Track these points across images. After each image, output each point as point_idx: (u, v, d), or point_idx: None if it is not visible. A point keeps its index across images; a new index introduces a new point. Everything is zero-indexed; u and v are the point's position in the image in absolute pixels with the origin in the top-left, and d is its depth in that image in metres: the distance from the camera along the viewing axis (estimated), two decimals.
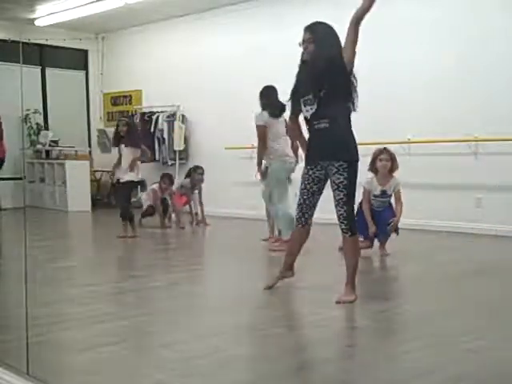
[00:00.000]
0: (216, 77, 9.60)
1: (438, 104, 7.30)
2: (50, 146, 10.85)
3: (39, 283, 4.38)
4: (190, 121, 10.30)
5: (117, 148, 7.16)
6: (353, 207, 3.97)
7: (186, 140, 10.22)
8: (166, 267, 5.53)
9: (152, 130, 10.26)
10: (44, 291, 4.22)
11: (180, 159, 10.21)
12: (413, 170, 7.29)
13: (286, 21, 8.77)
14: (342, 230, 3.97)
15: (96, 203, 10.79)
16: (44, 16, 10.01)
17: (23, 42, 9.69)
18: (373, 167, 5.67)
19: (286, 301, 4.12)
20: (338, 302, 3.86)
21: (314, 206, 4.10)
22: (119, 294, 4.32)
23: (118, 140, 7.07)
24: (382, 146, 5.79)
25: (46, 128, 11.21)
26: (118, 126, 7.13)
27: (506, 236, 6.75)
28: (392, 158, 5.63)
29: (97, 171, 11.43)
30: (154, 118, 10.31)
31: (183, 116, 10.24)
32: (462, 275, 4.89)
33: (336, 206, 3.93)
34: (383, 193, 5.70)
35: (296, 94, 4.07)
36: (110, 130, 11.73)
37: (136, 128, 7.47)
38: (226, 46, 9.59)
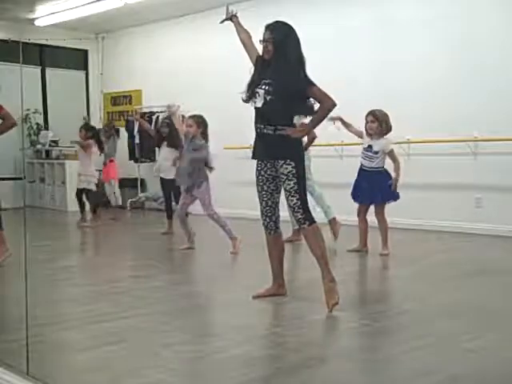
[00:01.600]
0: (216, 77, 9.60)
1: (438, 104, 7.29)
2: (50, 145, 10.85)
3: (39, 283, 4.38)
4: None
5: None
6: (305, 196, 3.87)
7: None
8: (166, 267, 5.53)
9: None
10: (44, 291, 4.22)
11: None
12: (413, 170, 7.29)
13: (286, 21, 8.76)
14: (298, 220, 3.86)
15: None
16: (44, 16, 10.01)
17: (23, 42, 9.69)
18: (365, 129, 5.82)
19: (286, 301, 4.12)
20: (336, 304, 3.75)
21: (277, 207, 4.03)
22: (119, 293, 4.32)
23: (161, 140, 7.59)
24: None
25: (46, 128, 11.21)
26: (161, 126, 7.76)
27: (506, 236, 6.75)
28: (378, 120, 5.70)
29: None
30: (154, 118, 10.30)
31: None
32: (462, 275, 4.88)
33: (288, 196, 3.85)
34: (369, 147, 5.75)
35: (251, 86, 4.01)
36: None
37: (176, 129, 7.71)
38: (225, 46, 9.57)
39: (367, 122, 5.77)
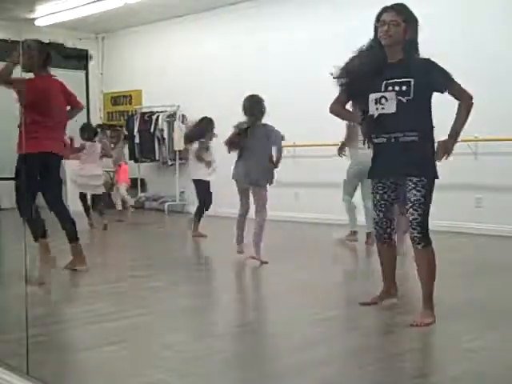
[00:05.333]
0: (216, 77, 9.60)
1: (438, 104, 7.28)
2: None
3: (39, 283, 4.38)
4: (190, 121, 10.30)
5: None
6: (428, 212, 3.50)
7: None
8: (166, 267, 5.53)
9: (152, 130, 10.26)
10: (44, 291, 4.22)
11: (180, 159, 10.21)
12: None
13: (286, 21, 8.76)
14: (412, 238, 3.43)
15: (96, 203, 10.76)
16: (44, 16, 10.00)
17: (23, 42, 9.68)
18: None
19: (286, 301, 4.12)
20: (412, 325, 3.35)
21: (394, 217, 3.65)
22: (119, 293, 4.32)
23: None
24: None
25: None
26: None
27: (506, 236, 6.75)
28: None
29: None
30: (154, 117, 10.31)
31: (183, 116, 10.24)
32: (462, 275, 4.88)
33: (410, 207, 3.43)
34: None
35: (358, 85, 3.48)
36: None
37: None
38: (226, 45, 9.58)
39: None
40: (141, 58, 10.95)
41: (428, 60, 3.47)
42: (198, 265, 5.94)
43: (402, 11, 3.40)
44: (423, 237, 3.42)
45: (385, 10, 3.43)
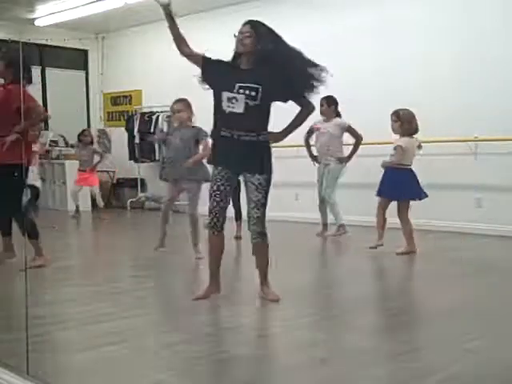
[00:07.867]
0: None
1: (438, 104, 7.29)
2: (49, 145, 10.85)
3: (39, 283, 4.38)
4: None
5: None
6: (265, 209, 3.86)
7: None
8: (166, 267, 5.53)
9: (152, 130, 10.26)
10: (44, 291, 4.22)
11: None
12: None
13: (286, 21, 8.74)
14: (257, 233, 3.86)
15: (96, 203, 10.77)
16: (44, 16, 10.01)
17: (23, 42, 9.69)
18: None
19: (285, 301, 4.12)
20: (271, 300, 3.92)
21: (227, 208, 3.93)
22: (119, 293, 4.32)
23: None
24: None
25: (46, 128, 11.20)
26: None
27: (506, 236, 6.75)
28: (400, 119, 5.71)
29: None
30: (154, 117, 10.31)
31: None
32: (462, 275, 4.89)
33: (254, 207, 3.81)
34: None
35: (217, 83, 4.02)
36: (110, 130, 11.78)
37: None
38: (226, 46, 9.57)
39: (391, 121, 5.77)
40: (141, 58, 10.95)
41: (277, 68, 3.79)
42: (197, 265, 5.94)
43: (256, 26, 3.96)
44: (264, 233, 3.85)
45: (244, 24, 4.02)
